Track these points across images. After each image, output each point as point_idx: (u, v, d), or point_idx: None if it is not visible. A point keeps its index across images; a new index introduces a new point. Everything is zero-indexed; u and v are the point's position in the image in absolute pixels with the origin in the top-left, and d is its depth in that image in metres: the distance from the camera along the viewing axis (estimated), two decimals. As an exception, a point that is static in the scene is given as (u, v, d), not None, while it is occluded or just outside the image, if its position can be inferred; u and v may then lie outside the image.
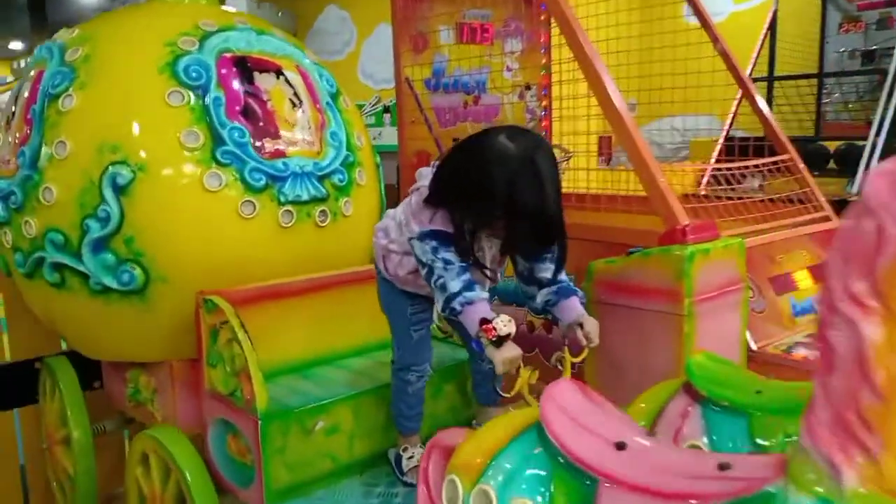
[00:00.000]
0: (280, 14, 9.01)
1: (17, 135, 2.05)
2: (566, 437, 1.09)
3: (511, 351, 1.48)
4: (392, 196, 3.32)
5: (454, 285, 1.54)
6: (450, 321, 1.87)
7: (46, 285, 2.00)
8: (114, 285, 1.92)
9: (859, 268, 0.81)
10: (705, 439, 1.36)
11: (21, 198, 1.97)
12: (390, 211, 1.88)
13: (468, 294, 1.54)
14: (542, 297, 1.69)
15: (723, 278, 1.83)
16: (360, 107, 7.88)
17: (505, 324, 1.48)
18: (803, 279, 2.42)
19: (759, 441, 1.31)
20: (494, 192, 1.48)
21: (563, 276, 1.69)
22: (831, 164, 5.29)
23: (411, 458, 1.86)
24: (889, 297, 0.79)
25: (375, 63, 8.65)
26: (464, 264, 1.58)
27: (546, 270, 1.68)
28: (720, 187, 2.57)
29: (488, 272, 1.67)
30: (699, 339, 1.74)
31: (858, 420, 0.81)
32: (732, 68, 2.96)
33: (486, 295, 1.57)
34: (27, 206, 1.97)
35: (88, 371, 2.55)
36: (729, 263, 1.85)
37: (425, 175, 1.71)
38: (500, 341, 1.47)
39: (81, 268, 1.92)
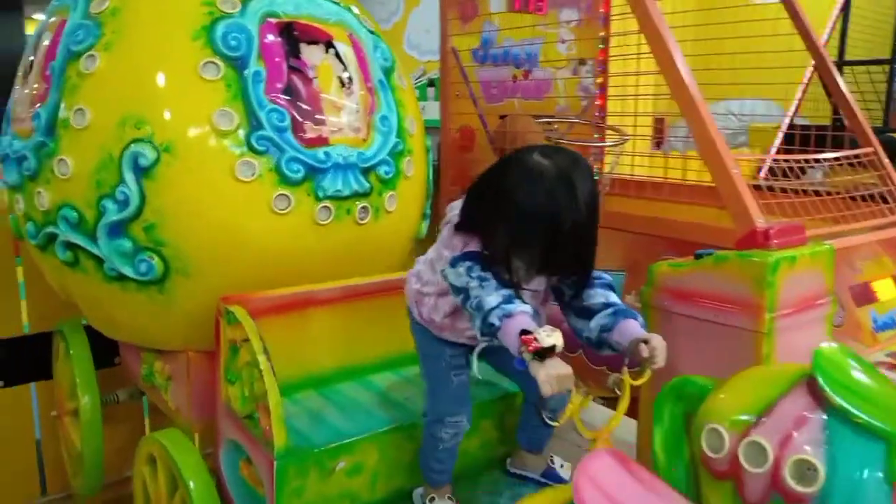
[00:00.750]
0: (326, -20, 8.83)
1: (35, 91, 1.87)
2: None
3: (558, 368, 1.26)
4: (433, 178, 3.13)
5: (492, 300, 1.37)
6: (490, 352, 1.65)
7: (59, 263, 1.84)
8: (130, 274, 1.75)
9: None
10: (821, 457, 1.05)
11: (34, 165, 1.80)
12: (421, 258, 1.72)
13: (507, 306, 1.35)
14: (595, 322, 1.49)
15: (809, 291, 1.60)
16: (405, 79, 7.68)
17: (549, 334, 1.27)
18: (886, 289, 2.17)
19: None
20: (528, 210, 1.38)
21: (615, 299, 1.52)
22: (900, 157, 4.98)
23: None
24: None
25: (422, 33, 8.40)
26: (502, 281, 1.41)
27: (596, 297, 1.52)
28: (782, 179, 2.31)
29: (530, 293, 1.51)
30: (779, 359, 1.52)
31: None
32: (814, 50, 2.68)
33: (528, 308, 1.38)
34: (40, 175, 1.80)
35: (107, 343, 2.40)
36: (816, 273, 1.62)
37: (456, 207, 1.57)
38: (543, 354, 1.26)
39: (96, 251, 1.75)
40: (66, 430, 2.49)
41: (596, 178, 1.43)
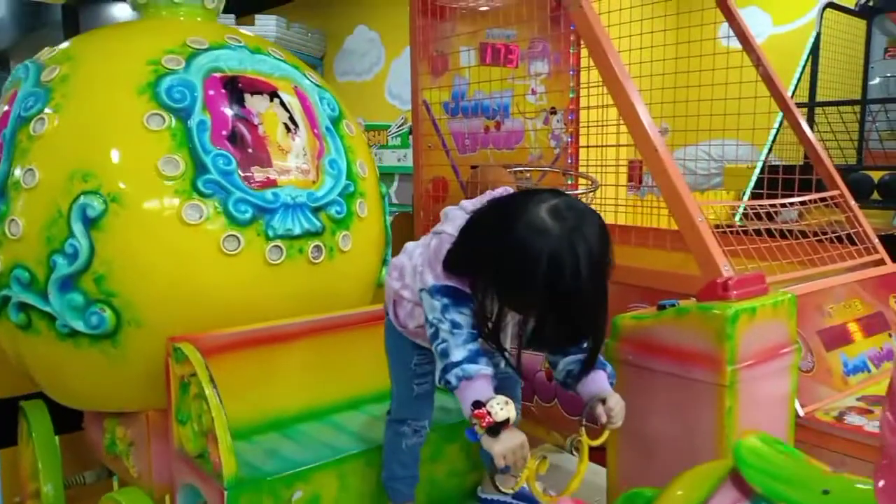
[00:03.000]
0: (309, 35, 8.96)
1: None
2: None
3: (511, 440, 1.22)
4: (407, 224, 3.14)
5: (457, 354, 1.30)
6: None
7: (13, 327, 1.81)
8: (82, 328, 1.73)
9: None
10: None
11: (-14, 231, 1.80)
12: (409, 245, 1.62)
13: (469, 367, 1.29)
14: (564, 364, 1.44)
15: (771, 341, 1.59)
16: (387, 127, 7.76)
17: (501, 407, 1.23)
18: (855, 332, 2.17)
19: None
20: (527, 271, 1.24)
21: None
22: (875, 195, 5.05)
23: None
24: None
25: (403, 84, 8.49)
26: (474, 332, 1.34)
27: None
28: (759, 221, 2.33)
29: (506, 353, 1.42)
30: (743, 411, 1.50)
31: None
32: (777, 93, 2.73)
33: (489, 370, 1.31)
34: (-8, 240, 1.79)
35: (72, 414, 2.35)
36: (778, 323, 1.61)
37: (451, 217, 1.45)
38: (496, 429, 1.22)
39: (48, 308, 1.73)
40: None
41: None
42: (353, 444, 1.77)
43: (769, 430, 1.25)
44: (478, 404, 1.24)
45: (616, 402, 1.36)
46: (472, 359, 1.30)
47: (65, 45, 2.01)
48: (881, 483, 0.68)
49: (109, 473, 2.37)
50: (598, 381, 1.42)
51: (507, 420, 1.23)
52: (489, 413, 1.22)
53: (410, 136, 7.88)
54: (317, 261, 1.92)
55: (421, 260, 1.49)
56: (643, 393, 1.60)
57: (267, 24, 8.12)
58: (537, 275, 1.23)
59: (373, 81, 9.03)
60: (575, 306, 1.26)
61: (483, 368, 1.30)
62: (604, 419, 1.35)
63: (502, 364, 1.47)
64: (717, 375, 1.48)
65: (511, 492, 1.33)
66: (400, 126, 7.87)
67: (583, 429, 1.36)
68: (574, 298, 1.24)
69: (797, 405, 1.83)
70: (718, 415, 1.49)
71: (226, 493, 1.49)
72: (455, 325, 1.33)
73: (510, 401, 1.25)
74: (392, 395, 1.69)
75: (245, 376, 1.78)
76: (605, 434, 1.37)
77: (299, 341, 1.90)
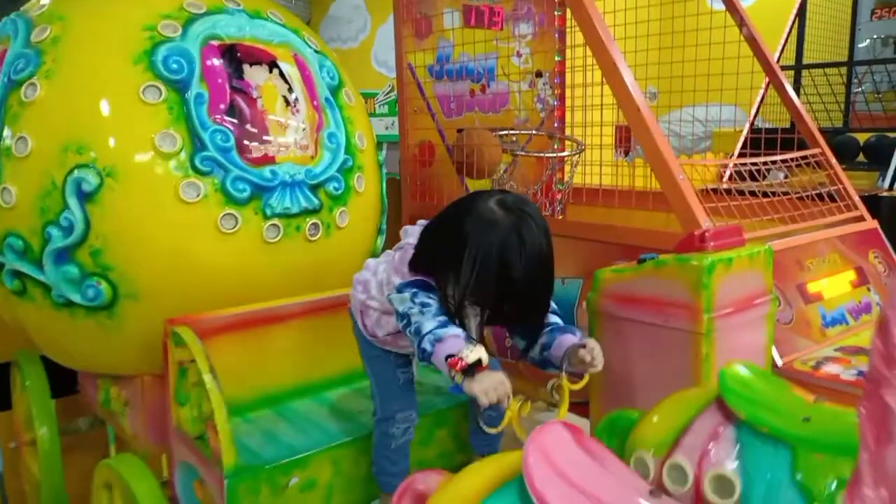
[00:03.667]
0: (294, 1, 8.87)
1: (-23, 122, 1.87)
2: (552, 496, 0.90)
3: (489, 378, 1.29)
4: (394, 190, 3.15)
5: (428, 325, 1.39)
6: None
7: (8, 292, 1.83)
8: (78, 300, 1.75)
9: None
10: (737, 469, 1.10)
11: (-22, 195, 1.80)
12: (370, 262, 1.73)
13: (439, 331, 1.37)
14: (538, 342, 1.53)
15: (747, 291, 1.63)
16: (373, 95, 7.70)
17: (471, 350, 1.30)
18: (834, 287, 2.21)
19: (802, 480, 1.08)
20: (479, 262, 1.38)
21: (555, 319, 1.54)
22: (860, 157, 5.08)
23: None
24: None
25: (389, 50, 8.34)
26: (442, 310, 1.43)
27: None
28: (744, 183, 2.37)
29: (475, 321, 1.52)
30: (719, 358, 1.54)
31: None
32: (760, 55, 2.75)
33: (458, 331, 1.39)
34: (-16, 205, 1.80)
35: (67, 372, 2.39)
36: (754, 274, 1.65)
37: (411, 233, 1.58)
38: (470, 370, 1.29)
39: (42, 278, 1.75)
40: (25, 461, 2.47)
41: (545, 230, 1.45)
42: (345, 425, 1.81)
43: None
44: (450, 356, 1.32)
45: (594, 345, 1.41)
46: (442, 325, 1.39)
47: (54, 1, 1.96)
48: (865, 406, 0.71)
49: (102, 422, 2.41)
50: (570, 338, 1.49)
51: (480, 361, 1.29)
52: (461, 358, 1.28)
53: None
54: (314, 238, 1.94)
55: (386, 275, 1.61)
56: (623, 343, 1.64)
57: (253, -10, 8.02)
58: (489, 263, 1.37)
59: (359, 49, 8.92)
60: (523, 288, 1.39)
61: (452, 329, 1.38)
62: (588, 358, 1.40)
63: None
64: (694, 324, 1.52)
65: (495, 432, 1.37)
66: (387, 94, 7.82)
67: (563, 373, 1.40)
68: (522, 282, 1.38)
69: (776, 355, 1.88)
70: (695, 362, 1.53)
71: (226, 481, 1.53)
72: (424, 305, 1.43)
73: (479, 344, 1.33)
74: (374, 396, 1.73)
75: (241, 356, 1.82)
76: (586, 377, 1.41)
77: (294, 321, 1.94)
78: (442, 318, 1.41)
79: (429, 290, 1.46)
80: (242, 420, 1.79)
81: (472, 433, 1.90)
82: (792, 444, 1.06)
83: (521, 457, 0.99)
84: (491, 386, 1.28)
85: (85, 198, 1.69)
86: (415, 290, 1.46)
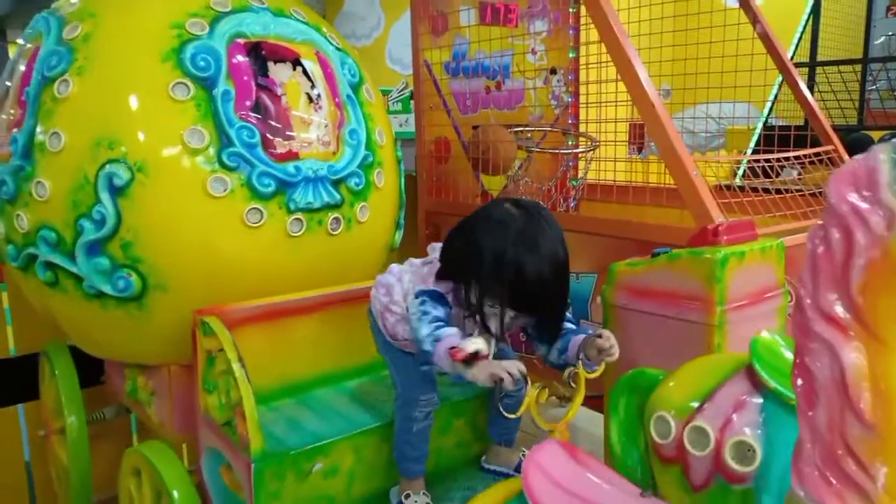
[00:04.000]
0: (308, -2, 8.94)
1: (11, 115, 1.93)
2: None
3: (489, 367, 1.36)
4: (410, 187, 3.19)
5: (426, 329, 1.47)
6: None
7: (40, 283, 1.89)
8: (109, 291, 1.81)
9: (830, 282, 0.71)
10: (759, 437, 1.14)
11: (13, 189, 1.86)
12: (395, 267, 1.79)
13: (437, 332, 1.45)
14: (555, 347, 1.58)
15: (759, 284, 1.66)
16: (387, 92, 7.74)
17: (472, 342, 1.38)
18: (847, 281, 2.24)
19: None
20: (493, 261, 1.44)
21: (569, 325, 1.59)
22: (876, 154, 5.07)
23: None
24: (866, 313, 0.69)
25: (403, 48, 8.41)
26: (442, 316, 1.51)
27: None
28: (759, 180, 2.39)
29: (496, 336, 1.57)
30: (731, 350, 1.58)
31: (848, 456, 0.70)
32: (774, 52, 2.77)
33: (454, 330, 1.47)
34: (19, 198, 1.85)
35: (93, 362, 2.46)
36: (766, 268, 1.68)
37: (438, 248, 1.64)
38: (470, 360, 1.36)
39: (75, 270, 1.80)
40: (53, 449, 2.53)
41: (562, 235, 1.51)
42: (367, 414, 1.87)
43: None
44: (451, 348, 1.40)
45: (609, 335, 1.45)
46: (438, 327, 1.47)
47: None
48: (795, 373, 0.76)
49: (128, 410, 2.48)
50: (584, 335, 1.54)
51: (478, 352, 1.37)
52: (460, 349, 1.37)
53: (412, 101, 7.85)
54: (335, 232, 1.99)
55: (411, 284, 1.68)
56: (638, 336, 1.68)
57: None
58: (502, 267, 1.43)
59: (373, 46, 8.96)
60: (536, 288, 1.44)
61: (449, 329, 1.46)
62: (607, 345, 1.45)
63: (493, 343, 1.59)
64: (707, 316, 1.56)
65: (514, 416, 1.43)
66: (401, 91, 7.86)
67: (580, 362, 1.45)
68: (535, 281, 1.43)
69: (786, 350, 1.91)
70: (708, 353, 1.56)
71: (253, 465, 1.58)
72: (425, 313, 1.50)
73: (480, 339, 1.41)
74: (395, 384, 1.78)
75: (266, 346, 1.86)
76: (602, 366, 1.45)
77: (316, 313, 1.99)
78: (440, 323, 1.48)
79: (438, 300, 1.53)
80: (267, 408, 1.83)
81: (490, 423, 1.94)
82: None
83: (520, 481, 1.03)
84: (490, 371, 1.34)
85: (116, 192, 1.74)
86: (424, 297, 1.53)
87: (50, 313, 2.09)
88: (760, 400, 1.16)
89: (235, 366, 1.61)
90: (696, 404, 1.21)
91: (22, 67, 1.94)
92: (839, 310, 0.71)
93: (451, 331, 1.45)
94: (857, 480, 0.70)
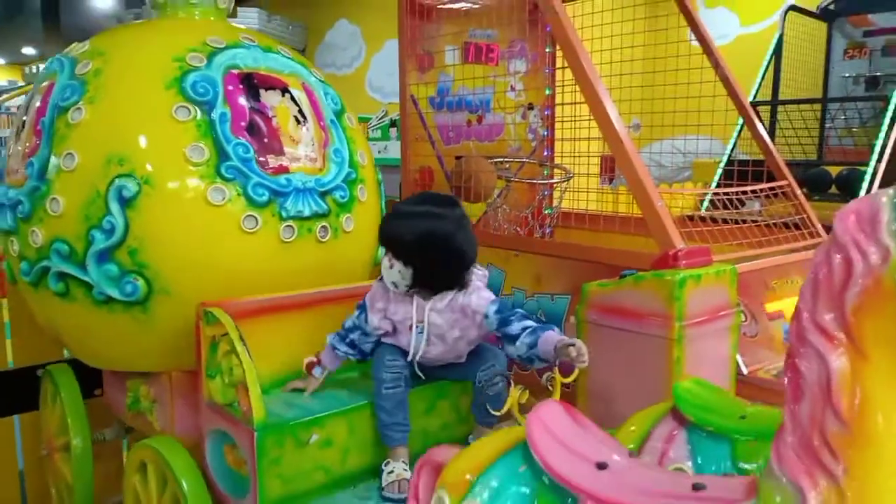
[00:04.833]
0: (291, 28, 9.10)
1: (27, 145, 2.09)
2: (550, 457, 1.12)
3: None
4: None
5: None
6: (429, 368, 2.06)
7: (51, 294, 2.03)
8: (117, 295, 1.95)
9: (828, 300, 0.85)
10: (690, 463, 1.40)
11: (28, 208, 2.01)
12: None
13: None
14: (521, 342, 1.74)
15: (713, 304, 1.86)
16: (367, 120, 7.93)
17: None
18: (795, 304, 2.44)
19: (741, 465, 1.34)
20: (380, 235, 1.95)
21: (531, 322, 1.76)
22: (833, 189, 5.30)
23: (391, 472, 1.86)
24: (854, 330, 0.83)
25: (384, 77, 8.71)
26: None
27: (516, 326, 1.76)
28: (719, 211, 2.61)
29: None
30: (689, 362, 1.77)
31: (824, 446, 0.85)
32: (734, 94, 3.01)
33: (329, 347, 2.01)
34: (34, 216, 2.01)
35: (89, 379, 2.60)
36: (720, 289, 1.88)
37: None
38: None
39: (85, 277, 1.95)
40: (55, 466, 2.62)
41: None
42: (359, 394, 2.02)
43: (712, 382, 1.55)
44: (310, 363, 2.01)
45: (581, 344, 1.63)
46: (333, 339, 2.02)
47: (93, 40, 2.22)
48: (786, 370, 0.93)
49: (127, 430, 2.59)
50: (554, 335, 1.70)
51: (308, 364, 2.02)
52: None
53: (391, 129, 8.00)
54: (323, 239, 2.16)
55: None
56: (606, 348, 1.87)
57: (248, 16, 8.23)
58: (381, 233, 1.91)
59: (354, 75, 9.19)
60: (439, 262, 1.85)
61: (330, 341, 2.02)
62: (574, 354, 1.61)
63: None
64: (667, 330, 1.75)
65: (498, 414, 1.61)
66: (381, 118, 8.05)
67: (556, 367, 1.62)
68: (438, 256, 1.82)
69: (742, 365, 2.11)
70: (668, 365, 1.76)
71: (255, 433, 1.73)
72: (343, 326, 2.02)
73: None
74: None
75: (264, 339, 2.00)
76: (576, 371, 1.63)
77: (310, 309, 2.15)
78: (339, 337, 2.02)
79: (359, 310, 1.99)
80: (265, 395, 1.95)
81: (473, 404, 2.07)
82: (731, 437, 1.36)
83: (522, 431, 1.21)
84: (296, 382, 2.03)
85: (125, 203, 1.91)
86: (357, 312, 2.00)
87: (54, 327, 2.22)
88: (685, 432, 1.43)
89: (237, 343, 1.77)
90: (638, 446, 1.48)
91: (37, 104, 2.12)
92: (832, 325, 0.84)
93: (328, 346, 2.00)
94: (828, 466, 0.84)
